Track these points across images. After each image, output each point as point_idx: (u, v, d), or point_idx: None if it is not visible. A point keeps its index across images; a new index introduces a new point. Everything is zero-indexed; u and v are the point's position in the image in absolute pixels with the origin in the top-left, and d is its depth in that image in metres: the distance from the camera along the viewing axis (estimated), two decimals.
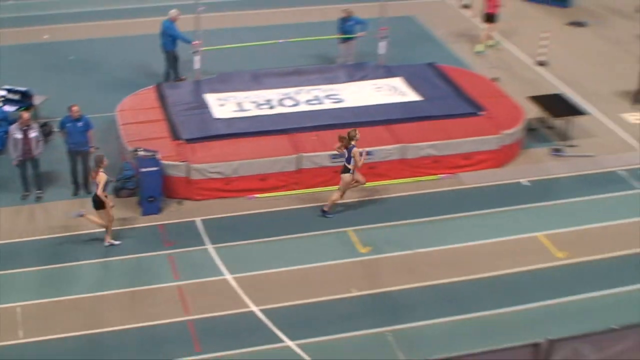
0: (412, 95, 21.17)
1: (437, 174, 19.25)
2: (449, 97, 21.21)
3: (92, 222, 16.57)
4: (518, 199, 18.56)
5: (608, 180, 19.41)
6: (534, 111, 21.39)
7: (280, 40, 23.52)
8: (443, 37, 27.40)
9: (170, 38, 22.87)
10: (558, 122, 21.05)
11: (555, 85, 23.97)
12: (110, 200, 16.44)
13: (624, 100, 23.29)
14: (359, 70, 22.67)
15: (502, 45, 26.77)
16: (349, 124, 18.88)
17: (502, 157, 19.73)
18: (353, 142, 17.24)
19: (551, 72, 24.97)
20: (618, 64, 25.68)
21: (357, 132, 17.38)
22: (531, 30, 27.21)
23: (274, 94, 20.99)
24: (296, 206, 18.07)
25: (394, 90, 21.42)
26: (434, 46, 26.60)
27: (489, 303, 15.16)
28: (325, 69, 23.00)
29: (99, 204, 16.21)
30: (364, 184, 18.06)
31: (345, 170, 17.39)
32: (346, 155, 17.31)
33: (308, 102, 20.73)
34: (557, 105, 21.29)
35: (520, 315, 14.93)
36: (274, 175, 18.26)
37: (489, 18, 26.38)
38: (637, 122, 22.22)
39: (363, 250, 16.59)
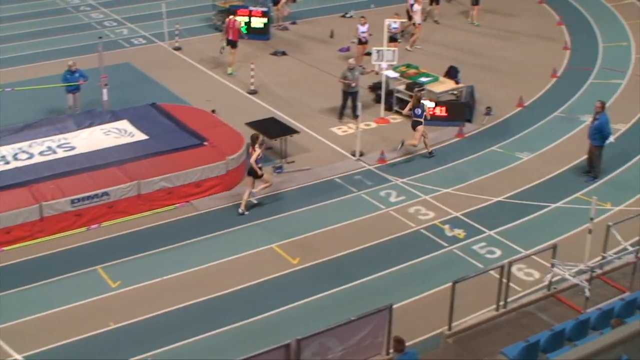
0: (139, 135, 22.25)
1: (172, 204, 20.44)
2: (174, 132, 22.50)
3: None
4: (250, 217, 20.11)
5: (327, 188, 21.46)
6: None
7: (7, 89, 23.94)
8: (158, 77, 28.58)
9: None
10: (275, 143, 22.88)
11: (269, 109, 25.82)
12: None
13: (331, 116, 25.66)
14: (87, 118, 23.45)
15: (232, 75, 28.46)
16: (83, 169, 19.96)
17: (230, 180, 21.25)
18: (422, 100, 23.19)
19: (262, 98, 26.86)
20: (319, 84, 28.05)
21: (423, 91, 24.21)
22: (240, 63, 29.11)
23: (7, 150, 21.29)
24: (43, 253, 18.54)
25: (121, 133, 22.41)
26: (152, 87, 27.73)
27: (239, 315, 16.35)
28: (55, 120, 23.53)
29: None
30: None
31: (418, 123, 23.00)
32: (419, 112, 22.93)
33: (42, 153, 21.24)
34: (272, 128, 22.99)
35: (269, 321, 16.24)
36: (18, 226, 18.64)
37: (232, 44, 28.56)
38: (344, 134, 24.61)
39: (114, 285, 17.33)
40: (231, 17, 29.28)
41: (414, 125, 23.28)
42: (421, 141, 23.41)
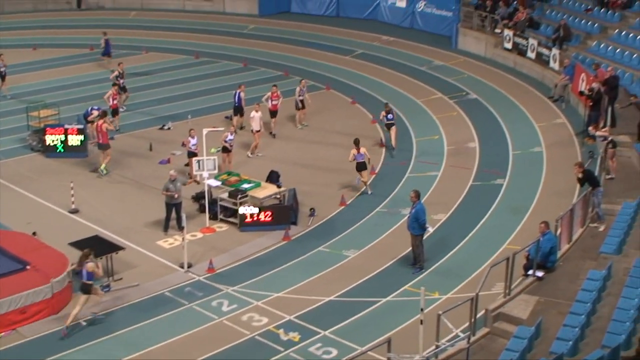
0: None
1: None
2: None
3: None
4: (79, 339, 19.50)
5: (158, 303, 21.15)
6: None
7: None
8: None
9: None
10: (101, 261, 22.37)
11: (92, 227, 25.32)
12: None
13: (156, 229, 25.41)
14: None
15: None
16: None
17: (56, 303, 20.57)
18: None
19: (84, 216, 26.35)
20: (142, 198, 27.81)
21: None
22: (58, 182, 28.58)
23: None
24: None
25: None
26: None
27: None
28: None
29: None
30: None
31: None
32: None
33: None
34: (96, 246, 22.27)
35: None
36: None
37: (104, 147, 29.76)
38: (171, 246, 24.43)
39: None
40: (100, 121, 29.81)
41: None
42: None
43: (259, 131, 31.48)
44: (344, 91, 39.19)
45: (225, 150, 29.25)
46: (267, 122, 33.16)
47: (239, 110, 33.92)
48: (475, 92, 38.33)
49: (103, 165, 29.73)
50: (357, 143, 27.61)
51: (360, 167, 27.67)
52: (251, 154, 31.46)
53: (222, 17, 53.95)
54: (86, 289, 20.05)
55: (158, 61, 43.63)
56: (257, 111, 31.38)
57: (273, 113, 33.53)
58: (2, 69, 38.19)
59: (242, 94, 33.76)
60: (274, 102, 33.29)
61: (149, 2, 57.42)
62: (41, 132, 31.67)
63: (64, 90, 38.64)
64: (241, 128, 33.38)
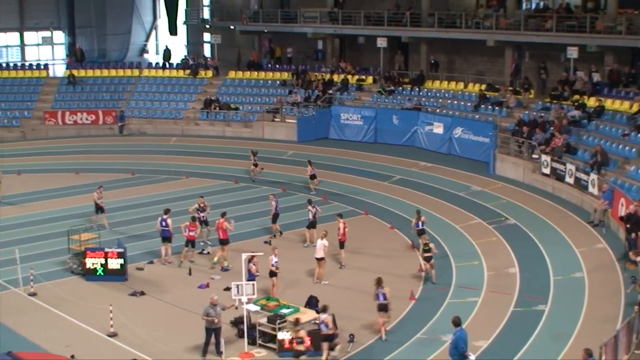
0: None
1: None
2: None
3: None
4: None
5: None
6: None
7: None
8: (13, 325, 27.52)
9: None
10: None
11: (131, 351, 25.19)
12: None
13: (194, 354, 25.23)
14: None
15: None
16: None
17: None
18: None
19: (124, 340, 26.23)
20: (181, 322, 27.74)
21: None
22: (97, 305, 28.55)
23: None
24: None
25: None
26: (7, 335, 26.63)
27: None
28: None
29: None
30: None
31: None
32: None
33: None
34: None
35: None
36: None
37: (224, 242, 31.87)
38: None
39: None
40: (220, 219, 32.21)
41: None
42: None
43: (322, 259, 31.24)
44: (382, 217, 39.31)
45: (272, 274, 29.24)
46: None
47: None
48: (514, 218, 38.20)
49: (216, 258, 31.03)
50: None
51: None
52: (317, 281, 31.24)
53: (262, 143, 54.75)
54: None
55: (198, 186, 44.15)
56: (321, 238, 31.32)
57: (341, 244, 33.29)
58: None
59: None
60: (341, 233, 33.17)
61: (189, 128, 58.61)
62: (81, 255, 31.92)
63: (105, 214, 39.05)
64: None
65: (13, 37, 74.30)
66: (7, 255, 32.95)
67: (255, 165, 45.87)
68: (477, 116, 51.58)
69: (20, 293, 30.42)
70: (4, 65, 67.23)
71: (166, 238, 33.34)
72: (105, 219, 37.41)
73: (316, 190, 42.97)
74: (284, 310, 26.55)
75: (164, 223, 33.16)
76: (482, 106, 52.08)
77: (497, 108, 51.20)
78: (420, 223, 33.66)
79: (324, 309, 25.03)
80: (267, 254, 29.86)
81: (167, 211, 33.66)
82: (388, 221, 38.48)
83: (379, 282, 26.81)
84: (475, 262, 33.01)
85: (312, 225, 35.23)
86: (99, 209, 37.51)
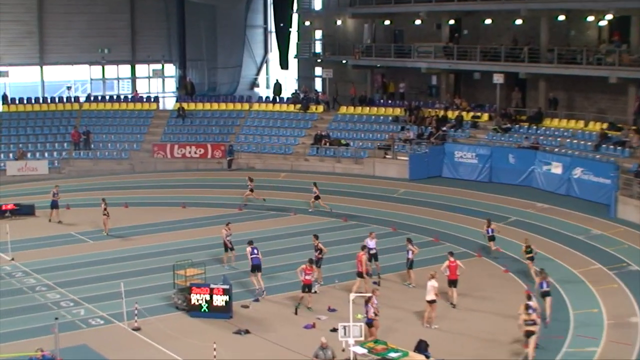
0: None
1: None
2: None
3: None
4: None
5: None
6: None
7: None
8: None
9: None
10: None
11: None
12: None
13: None
14: None
15: None
16: None
17: None
18: None
19: None
20: None
21: None
22: (198, 342, 28.02)
23: None
24: None
25: None
26: None
27: None
28: None
29: None
30: None
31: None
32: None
33: None
34: None
35: None
36: None
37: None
38: None
39: None
40: (360, 252, 32.96)
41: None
42: None
43: (433, 301, 29.97)
44: (496, 259, 37.77)
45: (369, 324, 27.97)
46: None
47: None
48: (637, 264, 36.16)
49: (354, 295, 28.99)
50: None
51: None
52: (426, 324, 30.03)
53: (372, 180, 53.82)
54: None
55: (306, 223, 43.46)
56: (430, 279, 30.06)
57: (452, 282, 32.10)
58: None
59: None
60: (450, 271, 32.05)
61: (299, 164, 58.13)
62: (186, 291, 31.46)
63: (210, 249, 38.66)
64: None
65: (125, 70, 75.76)
66: (112, 289, 32.79)
67: (252, 190, 46.86)
68: (597, 156, 49.38)
69: (124, 327, 30.12)
70: (115, 97, 68.32)
71: (256, 266, 33.08)
72: (233, 257, 36.99)
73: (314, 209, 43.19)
74: (392, 354, 25.44)
75: (254, 251, 33.03)
76: (604, 146, 49.87)
77: (619, 148, 48.97)
78: (490, 230, 36.53)
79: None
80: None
81: (250, 242, 34.00)
82: (502, 264, 36.91)
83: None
84: (595, 310, 31.27)
85: (410, 265, 34.09)
86: (229, 247, 36.87)
